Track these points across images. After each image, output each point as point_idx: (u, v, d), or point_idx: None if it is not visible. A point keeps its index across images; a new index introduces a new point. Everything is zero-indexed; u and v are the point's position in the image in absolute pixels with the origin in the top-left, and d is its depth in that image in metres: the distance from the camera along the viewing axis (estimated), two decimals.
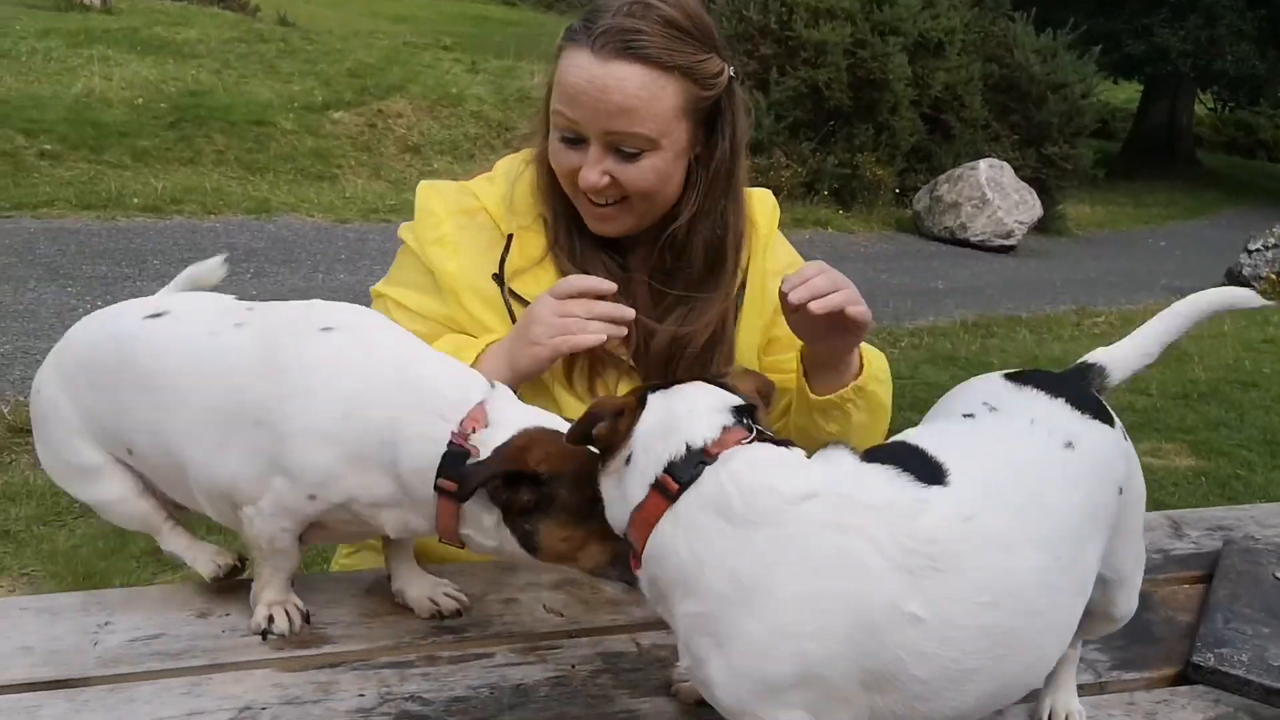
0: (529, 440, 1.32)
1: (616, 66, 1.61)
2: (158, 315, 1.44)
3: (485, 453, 1.31)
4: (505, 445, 1.31)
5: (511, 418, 1.35)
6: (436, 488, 1.31)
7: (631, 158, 1.67)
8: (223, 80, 12.49)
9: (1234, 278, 10.58)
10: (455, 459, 1.30)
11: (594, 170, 1.67)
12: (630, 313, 1.66)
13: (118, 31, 13.53)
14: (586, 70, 1.62)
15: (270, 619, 1.45)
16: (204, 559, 1.52)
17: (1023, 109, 15.39)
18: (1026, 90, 15.31)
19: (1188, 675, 1.42)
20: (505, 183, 1.84)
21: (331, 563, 2.02)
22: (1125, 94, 27.78)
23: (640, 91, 1.62)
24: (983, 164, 13.47)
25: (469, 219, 1.80)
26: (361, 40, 15.41)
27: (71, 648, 1.40)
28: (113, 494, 1.50)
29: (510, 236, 1.79)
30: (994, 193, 13.16)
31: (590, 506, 1.24)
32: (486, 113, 13.29)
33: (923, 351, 7.66)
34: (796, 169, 13.18)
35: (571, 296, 1.64)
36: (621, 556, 1.24)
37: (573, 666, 1.41)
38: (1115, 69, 22.58)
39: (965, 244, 12.91)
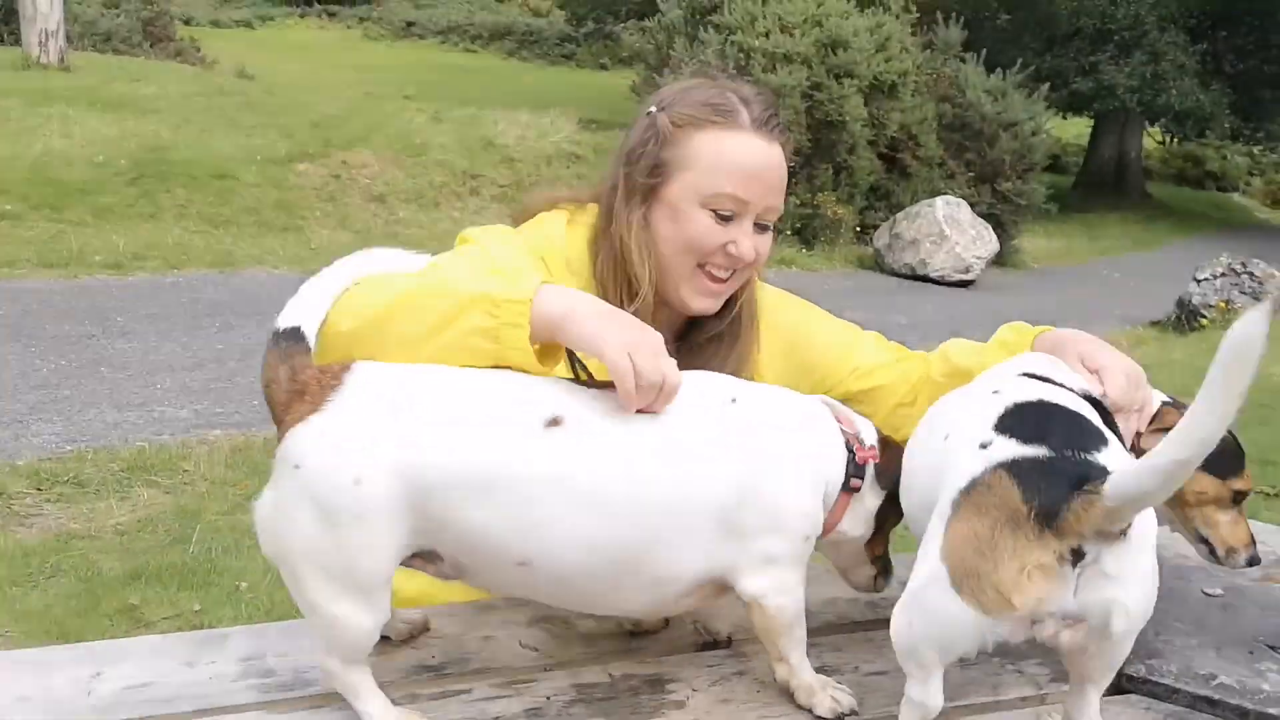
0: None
1: (777, 147, 1.76)
2: (556, 423, 1.35)
3: (870, 441, 1.51)
4: (878, 431, 1.53)
5: (832, 403, 1.56)
6: (846, 488, 1.46)
7: (766, 229, 1.80)
8: (183, 135, 12.48)
9: (1184, 306, 10.79)
10: (856, 460, 1.48)
11: (749, 242, 1.76)
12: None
13: (77, 89, 13.51)
14: (762, 152, 1.73)
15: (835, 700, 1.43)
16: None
17: (976, 147, 15.76)
18: (979, 129, 15.70)
19: (1122, 685, 1.51)
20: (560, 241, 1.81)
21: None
22: (1076, 129, 28.40)
23: (785, 166, 1.79)
24: (939, 201, 13.76)
25: (539, 264, 1.75)
26: (324, 92, 15.49)
27: (67, 697, 1.44)
28: (374, 621, 1.33)
29: None
30: (951, 229, 13.43)
31: None
32: (451, 161, 13.40)
33: None
34: None
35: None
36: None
37: (548, 698, 1.48)
38: (1064, 106, 23.12)
39: (925, 279, 13.15)
